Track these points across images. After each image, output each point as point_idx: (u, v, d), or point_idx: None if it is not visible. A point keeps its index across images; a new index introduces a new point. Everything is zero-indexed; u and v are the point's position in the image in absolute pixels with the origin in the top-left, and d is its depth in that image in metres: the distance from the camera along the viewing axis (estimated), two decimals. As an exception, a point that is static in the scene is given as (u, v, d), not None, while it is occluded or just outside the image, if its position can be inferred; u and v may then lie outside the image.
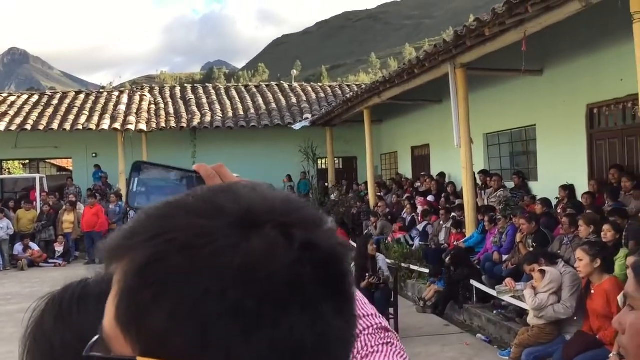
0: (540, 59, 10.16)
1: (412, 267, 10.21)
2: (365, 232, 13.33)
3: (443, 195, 12.57)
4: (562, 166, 10.25)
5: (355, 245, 7.97)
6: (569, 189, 9.60)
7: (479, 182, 11.77)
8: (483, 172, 11.83)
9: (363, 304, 1.17)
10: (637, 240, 6.60)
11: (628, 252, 5.27)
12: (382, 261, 7.49)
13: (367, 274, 7.19)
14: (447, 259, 9.00)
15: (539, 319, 4.98)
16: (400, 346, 1.28)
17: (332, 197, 16.62)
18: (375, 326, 1.15)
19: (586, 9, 6.14)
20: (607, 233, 6.05)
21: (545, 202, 9.16)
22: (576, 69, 9.63)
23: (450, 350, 6.61)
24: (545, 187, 10.55)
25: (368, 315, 1.15)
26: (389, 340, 1.16)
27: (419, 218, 12.02)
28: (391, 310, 7.44)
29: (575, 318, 4.89)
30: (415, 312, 8.52)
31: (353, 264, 7.62)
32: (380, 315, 1.15)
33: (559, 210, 8.79)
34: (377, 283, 7.16)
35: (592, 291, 4.61)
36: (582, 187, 9.57)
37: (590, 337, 4.54)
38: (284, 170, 18.88)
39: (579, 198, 9.18)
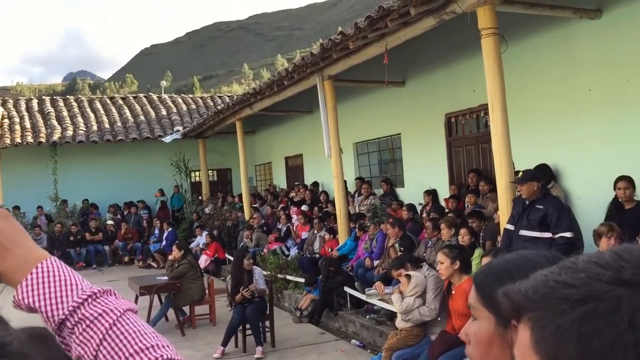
0: (402, 71, 10.68)
1: (288, 277, 10.23)
2: (242, 244, 13.20)
3: (317, 204, 12.78)
4: (426, 172, 10.81)
5: (234, 259, 7.83)
6: (432, 194, 10.15)
7: (354, 188, 12.11)
8: (360, 179, 12.17)
9: (142, 335, 1.04)
10: (493, 240, 7.11)
11: (483, 252, 5.64)
12: (259, 274, 7.41)
13: (242, 288, 7.10)
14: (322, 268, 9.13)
15: (406, 322, 5.18)
16: None
17: (207, 210, 16.30)
18: None
19: (441, 25, 6.52)
20: (464, 236, 6.45)
21: (411, 207, 9.59)
22: (435, 81, 10.22)
23: (325, 358, 6.68)
24: (411, 192, 11.07)
25: (147, 349, 1.03)
26: None
27: (295, 228, 12.11)
28: (267, 323, 7.40)
29: (439, 319, 5.13)
30: (291, 322, 8.53)
31: (229, 277, 7.49)
32: (165, 345, 1.04)
33: (423, 215, 9.24)
34: (251, 297, 7.07)
35: (453, 292, 4.87)
36: (444, 192, 10.16)
37: (452, 336, 4.78)
38: (155, 184, 18.27)
39: (442, 202, 9.73)
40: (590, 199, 7.16)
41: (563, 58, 7.64)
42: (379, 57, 7.77)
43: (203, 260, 13.00)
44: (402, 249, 7.81)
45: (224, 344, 7.02)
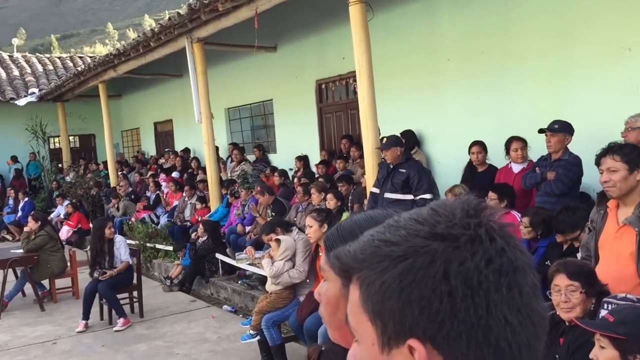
0: (273, 36, 10.60)
1: (157, 246, 9.96)
2: (107, 213, 12.61)
3: (188, 171, 12.49)
4: (298, 138, 10.92)
5: (93, 229, 7.44)
6: (303, 160, 10.28)
7: (227, 154, 11.95)
8: (232, 145, 11.98)
9: None
10: (360, 203, 7.37)
11: (350, 214, 5.83)
12: (119, 243, 7.07)
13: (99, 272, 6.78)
14: (193, 234, 8.96)
15: (276, 285, 5.24)
16: None
17: (68, 178, 15.33)
18: None
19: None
20: (330, 201, 6.63)
21: (283, 173, 9.67)
22: (306, 47, 10.27)
23: (196, 325, 6.62)
24: (283, 158, 11.15)
25: None
26: None
27: (165, 195, 11.75)
28: (135, 293, 7.17)
29: (307, 281, 5.26)
30: (161, 292, 8.34)
31: (88, 248, 7.12)
32: None
33: (295, 180, 9.36)
34: (104, 272, 6.78)
35: (321, 254, 4.99)
36: (315, 157, 10.34)
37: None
38: (7, 151, 16.84)
39: (313, 168, 9.90)
40: (448, 163, 7.63)
41: (426, 28, 7.98)
42: (250, 21, 7.64)
43: (65, 232, 12.27)
44: (273, 213, 7.87)
45: (85, 317, 6.72)
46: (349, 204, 7.44)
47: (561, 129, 5.18)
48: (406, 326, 0.64)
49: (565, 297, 2.79)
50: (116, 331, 6.58)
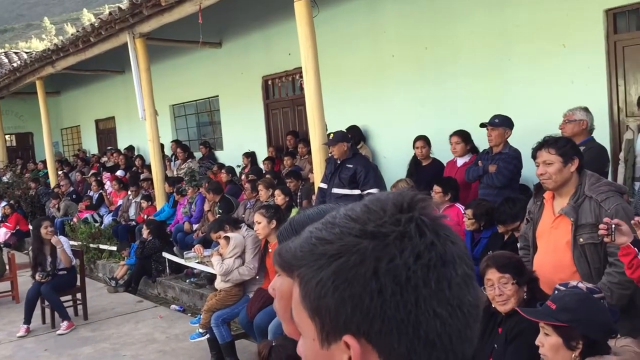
0: (218, 32, 10.50)
1: (101, 246, 9.71)
2: (48, 214, 12.21)
3: (132, 169, 12.22)
4: (245, 135, 10.85)
5: (32, 230, 7.17)
6: (251, 156, 10.24)
7: (172, 152, 11.75)
8: (176, 142, 11.77)
9: None
10: (308, 199, 7.40)
11: (299, 210, 5.85)
12: (63, 242, 6.87)
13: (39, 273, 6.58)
14: (143, 233, 8.71)
15: (225, 282, 5.21)
16: None
17: (5, 178, 14.73)
18: None
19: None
20: (278, 197, 6.64)
21: (230, 170, 9.59)
22: (251, 43, 10.21)
23: (144, 326, 6.50)
24: (230, 155, 11.06)
25: None
26: None
27: (108, 195, 11.47)
28: (78, 295, 6.98)
29: (257, 277, 5.25)
30: (106, 293, 8.14)
31: (30, 249, 6.89)
32: None
33: (242, 177, 9.30)
34: (48, 274, 6.58)
35: (270, 250, 5.00)
36: (263, 154, 10.30)
37: (268, 293, 4.93)
38: (-62, 150, 16.04)
39: (261, 164, 9.86)
40: (394, 157, 7.75)
41: (370, 24, 8.07)
42: (194, 16, 7.54)
43: (2, 234, 11.82)
44: (220, 211, 7.81)
45: (27, 321, 6.50)
46: (298, 200, 7.46)
47: (501, 123, 5.34)
48: (341, 323, 0.66)
49: (498, 290, 2.83)
50: (60, 335, 6.39)
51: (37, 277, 6.61)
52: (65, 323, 6.49)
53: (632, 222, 2.30)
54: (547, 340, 2.27)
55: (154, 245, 8.18)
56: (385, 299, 0.64)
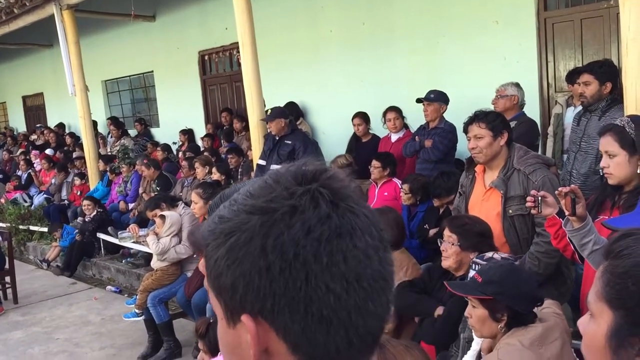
0: (152, 5, 10.14)
1: (32, 227, 9.33)
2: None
3: (63, 148, 11.75)
4: (181, 111, 10.60)
5: None
6: (188, 133, 10.02)
7: (107, 129, 11.34)
8: (111, 119, 11.34)
9: None
10: (248, 176, 7.32)
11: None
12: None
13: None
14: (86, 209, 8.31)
15: (162, 262, 5.11)
16: None
17: None
18: None
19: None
20: (214, 175, 6.54)
21: (166, 147, 9.37)
22: (187, 17, 9.92)
23: (78, 308, 6.32)
24: (166, 132, 10.79)
25: None
26: None
27: (38, 174, 11.00)
28: (7, 279, 6.70)
29: (195, 256, 5.16)
30: (37, 276, 7.86)
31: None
32: None
33: (179, 155, 9.11)
34: None
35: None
36: (201, 131, 10.10)
37: (207, 271, 4.87)
38: None
39: (199, 142, 9.68)
40: (334, 133, 7.75)
41: (308, 0, 7.98)
42: (124, -13, 7.25)
43: None
44: (158, 188, 7.64)
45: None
46: (239, 177, 7.36)
47: (437, 99, 5.42)
48: (237, 302, 0.65)
49: (443, 246, 3.03)
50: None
51: None
52: None
53: (556, 192, 2.37)
54: (474, 312, 2.32)
55: (101, 216, 7.85)
56: (274, 277, 0.62)
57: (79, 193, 9.25)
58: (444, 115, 5.50)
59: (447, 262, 3.04)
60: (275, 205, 0.64)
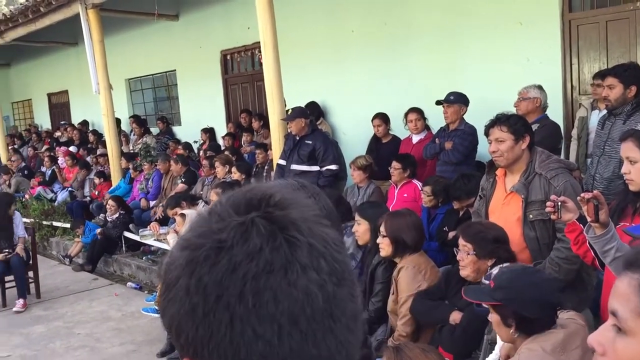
0: (175, 4, 10.23)
1: (55, 223, 9.48)
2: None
3: (87, 145, 11.91)
4: (203, 110, 10.67)
5: None
6: (209, 132, 10.09)
7: (130, 127, 11.47)
8: (134, 118, 11.47)
9: None
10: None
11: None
12: (19, 219, 6.80)
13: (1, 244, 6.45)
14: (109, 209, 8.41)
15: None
16: None
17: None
18: None
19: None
20: (234, 174, 6.57)
21: (187, 146, 9.44)
22: (210, 16, 9.98)
23: (99, 304, 6.40)
24: (188, 131, 10.88)
25: None
26: None
27: (61, 171, 11.16)
28: (30, 273, 6.81)
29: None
30: (60, 271, 7.97)
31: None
32: None
33: (200, 154, 9.18)
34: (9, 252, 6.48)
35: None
36: (222, 129, 10.16)
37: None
38: None
39: (220, 140, 9.73)
40: (354, 134, 7.75)
41: (330, 0, 7.98)
42: (148, -13, 7.32)
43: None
44: (183, 179, 7.75)
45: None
46: (265, 174, 7.37)
47: (456, 100, 5.38)
48: (177, 345, 0.61)
49: (460, 255, 3.01)
50: (17, 312, 6.25)
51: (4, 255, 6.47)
52: (21, 301, 6.36)
53: (578, 198, 2.34)
54: (492, 317, 2.31)
55: (124, 219, 7.97)
56: (200, 321, 0.57)
57: (97, 193, 9.37)
58: (464, 117, 5.47)
59: (464, 272, 3.01)
60: (203, 240, 0.59)
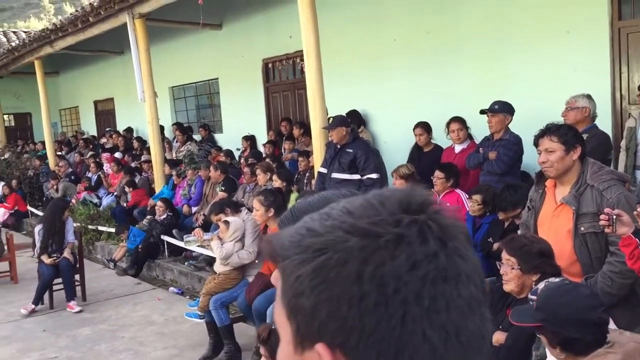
0: (219, 13, 10.40)
1: (100, 228, 9.70)
2: (47, 195, 12.21)
3: (132, 151, 12.18)
4: (244, 118, 10.80)
5: (50, 209, 7.17)
6: (250, 140, 10.19)
7: (172, 134, 11.69)
8: (176, 125, 11.68)
9: None
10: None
11: (297, 195, 5.84)
12: (71, 224, 7.03)
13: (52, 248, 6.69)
14: (156, 209, 8.55)
15: (224, 266, 5.21)
16: None
17: (4, 158, 14.68)
18: None
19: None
20: (275, 182, 6.61)
21: (228, 153, 9.56)
22: (252, 25, 10.11)
23: (142, 308, 6.52)
24: (229, 138, 11.02)
25: None
26: None
27: (107, 176, 11.44)
28: (77, 277, 6.98)
29: (256, 261, 5.24)
30: (104, 275, 8.15)
31: (39, 227, 6.90)
32: None
33: (241, 161, 9.27)
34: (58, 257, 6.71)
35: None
36: (263, 137, 10.26)
37: (268, 277, 4.93)
38: (-64, 130, 15.99)
39: (260, 148, 9.82)
40: (395, 142, 7.71)
41: (373, 8, 7.99)
42: (193, -3, 7.46)
43: (0, 214, 11.79)
44: (223, 188, 7.83)
45: (37, 301, 6.56)
46: (305, 182, 7.40)
47: (501, 109, 5.31)
48: (315, 329, 0.58)
49: (503, 269, 2.94)
50: (75, 313, 6.45)
51: (47, 260, 6.64)
52: (73, 302, 6.57)
53: (635, 212, 2.28)
54: (541, 337, 2.26)
55: (170, 220, 8.12)
56: (367, 310, 0.55)
57: (126, 202, 9.56)
58: (509, 126, 5.38)
59: (508, 287, 2.94)
60: (380, 230, 0.57)
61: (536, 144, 3.16)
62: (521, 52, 6.39)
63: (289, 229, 0.65)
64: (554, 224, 3.10)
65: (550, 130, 3.10)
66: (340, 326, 0.56)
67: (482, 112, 5.39)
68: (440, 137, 6.50)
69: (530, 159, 5.37)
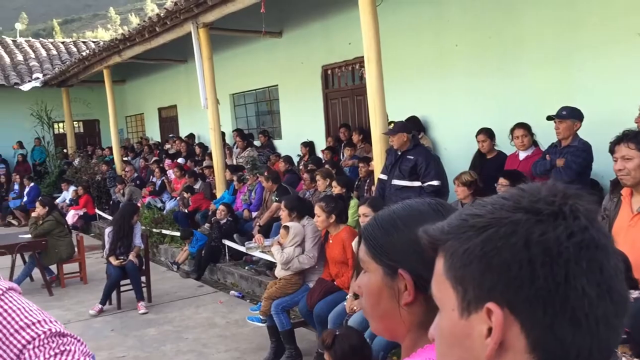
0: (279, 22, 10.54)
1: (164, 231, 9.99)
2: (114, 199, 12.67)
3: (194, 157, 12.49)
4: (303, 124, 10.90)
5: (120, 213, 7.46)
6: (309, 146, 10.27)
7: (233, 140, 11.92)
8: (237, 131, 11.91)
9: (27, 311, 1.10)
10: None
11: (359, 201, 5.83)
12: (139, 228, 7.30)
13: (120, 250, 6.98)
14: (215, 218, 8.76)
15: (285, 271, 5.26)
16: (82, 349, 1.22)
17: (74, 163, 15.35)
18: (43, 335, 1.10)
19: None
20: (335, 188, 6.63)
21: (288, 159, 9.66)
22: (311, 32, 10.22)
23: (204, 310, 6.66)
24: (288, 144, 11.14)
25: (34, 324, 1.10)
26: (64, 348, 1.12)
27: (170, 181, 11.77)
28: (143, 278, 7.21)
29: (317, 267, 5.27)
30: (168, 277, 8.38)
31: (109, 230, 7.18)
32: (52, 320, 1.10)
33: (301, 167, 9.35)
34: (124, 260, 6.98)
35: (330, 241, 5.00)
36: (321, 143, 10.33)
37: (329, 283, 4.95)
38: (12, 136, 16.90)
39: (319, 154, 9.89)
40: (456, 149, 7.61)
41: (434, 13, 7.93)
42: (256, 6, 7.60)
43: (71, 216, 12.32)
44: (277, 198, 7.90)
45: (104, 302, 6.83)
46: (366, 188, 7.39)
47: (569, 115, 5.15)
48: (485, 290, 0.67)
49: None
50: (141, 313, 6.68)
51: (115, 262, 6.91)
52: (142, 303, 6.82)
53: None
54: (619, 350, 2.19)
55: (230, 225, 8.30)
56: (535, 269, 0.65)
57: (185, 208, 9.78)
58: (578, 132, 5.22)
59: None
60: (540, 206, 0.67)
61: (612, 151, 3.06)
62: (589, 56, 6.19)
63: (440, 222, 0.77)
64: (631, 233, 2.98)
65: (627, 137, 2.99)
66: (510, 285, 0.66)
67: (550, 118, 5.25)
68: (503, 144, 6.37)
69: (600, 166, 5.21)
